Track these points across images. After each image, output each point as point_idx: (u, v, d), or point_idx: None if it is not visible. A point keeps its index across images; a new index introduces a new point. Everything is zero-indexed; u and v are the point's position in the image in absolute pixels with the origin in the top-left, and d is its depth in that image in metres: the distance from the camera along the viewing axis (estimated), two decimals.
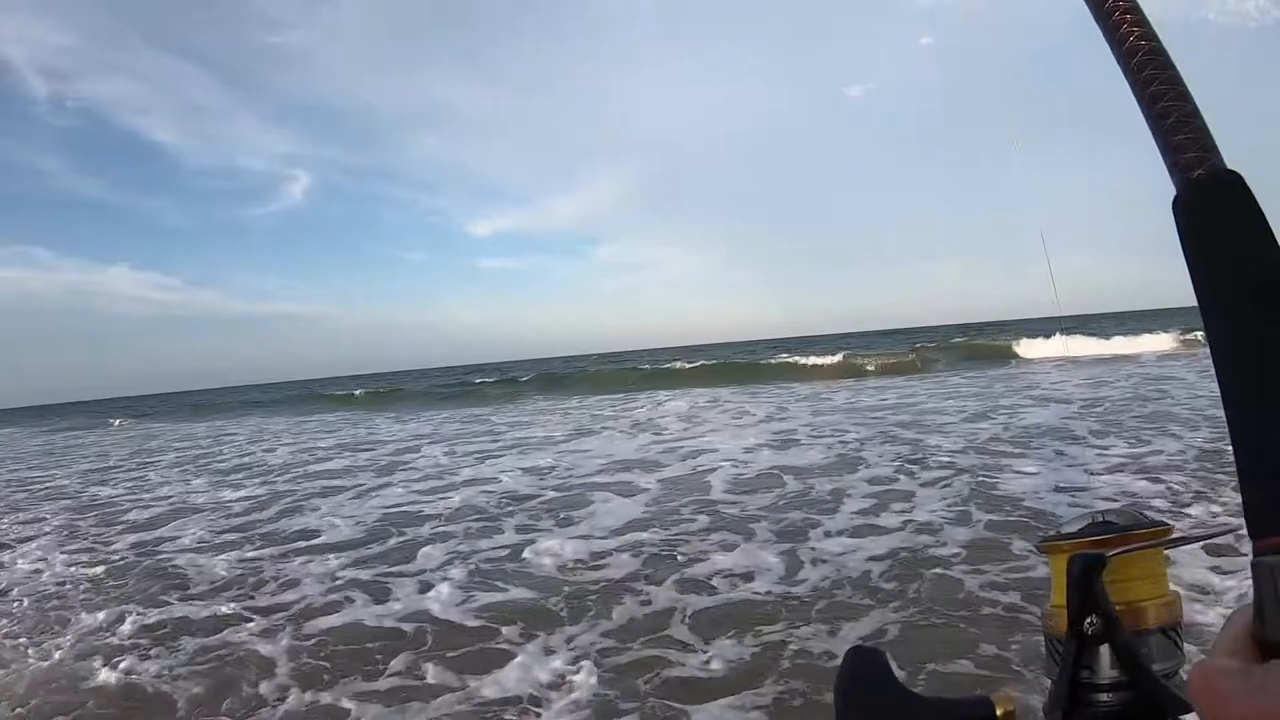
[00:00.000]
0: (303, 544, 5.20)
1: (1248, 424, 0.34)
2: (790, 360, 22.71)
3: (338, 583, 4.20)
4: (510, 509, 5.71)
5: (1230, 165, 0.39)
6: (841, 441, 7.61)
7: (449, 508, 5.96)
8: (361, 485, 7.52)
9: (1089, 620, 0.40)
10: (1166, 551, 0.45)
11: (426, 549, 4.72)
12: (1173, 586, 0.44)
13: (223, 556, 5.02)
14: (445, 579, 4.06)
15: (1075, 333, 21.13)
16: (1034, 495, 4.79)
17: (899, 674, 0.42)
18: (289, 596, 4.04)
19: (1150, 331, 20.16)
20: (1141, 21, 0.45)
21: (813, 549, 4.03)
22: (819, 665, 2.70)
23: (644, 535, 4.61)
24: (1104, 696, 0.41)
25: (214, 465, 10.81)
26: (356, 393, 28.67)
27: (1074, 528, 0.46)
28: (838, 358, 21.43)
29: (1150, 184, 0.43)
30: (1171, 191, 0.39)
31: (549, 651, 3.04)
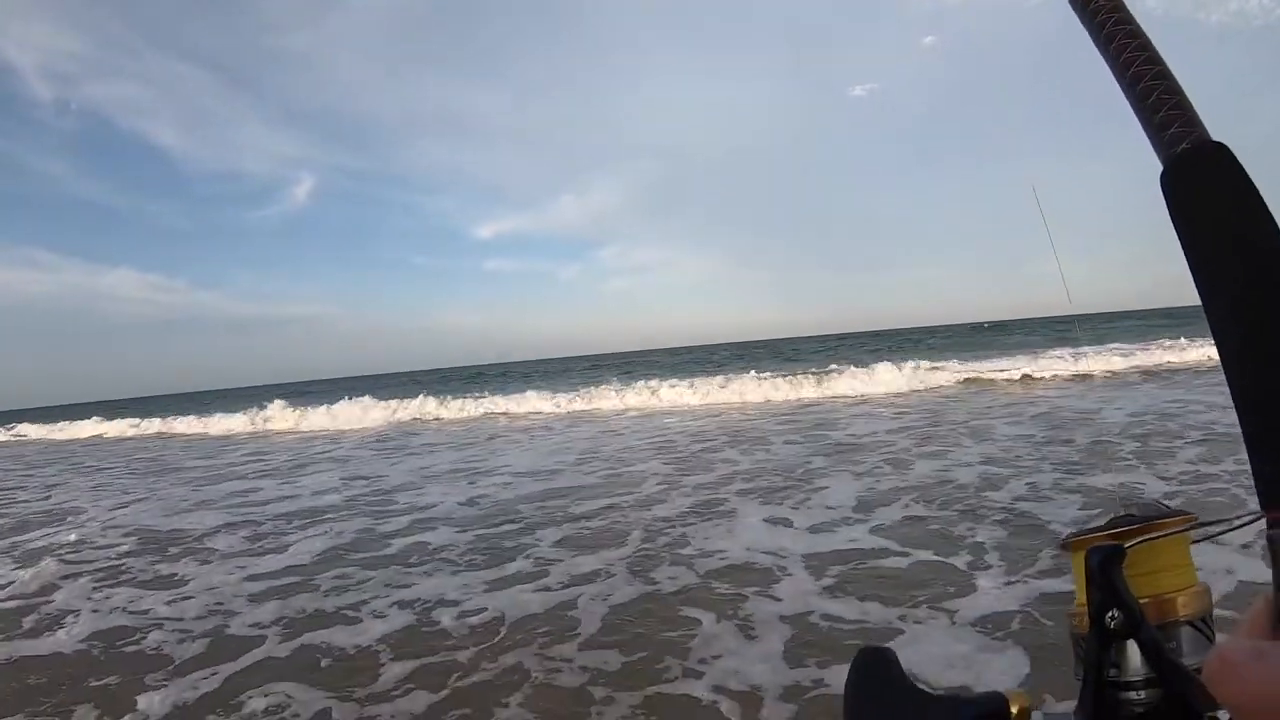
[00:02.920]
0: None
1: (1252, 395, 0.34)
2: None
3: None
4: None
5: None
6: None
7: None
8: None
9: (1110, 614, 0.39)
10: (1195, 541, 0.43)
11: None
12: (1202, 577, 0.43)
13: None
14: None
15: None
16: None
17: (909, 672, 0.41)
18: None
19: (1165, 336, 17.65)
20: (1119, 6, 0.45)
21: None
22: None
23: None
24: (1134, 694, 0.40)
25: None
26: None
27: (1096, 524, 0.45)
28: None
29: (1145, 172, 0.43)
30: (1159, 168, 0.39)
31: None
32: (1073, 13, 0.47)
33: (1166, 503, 0.45)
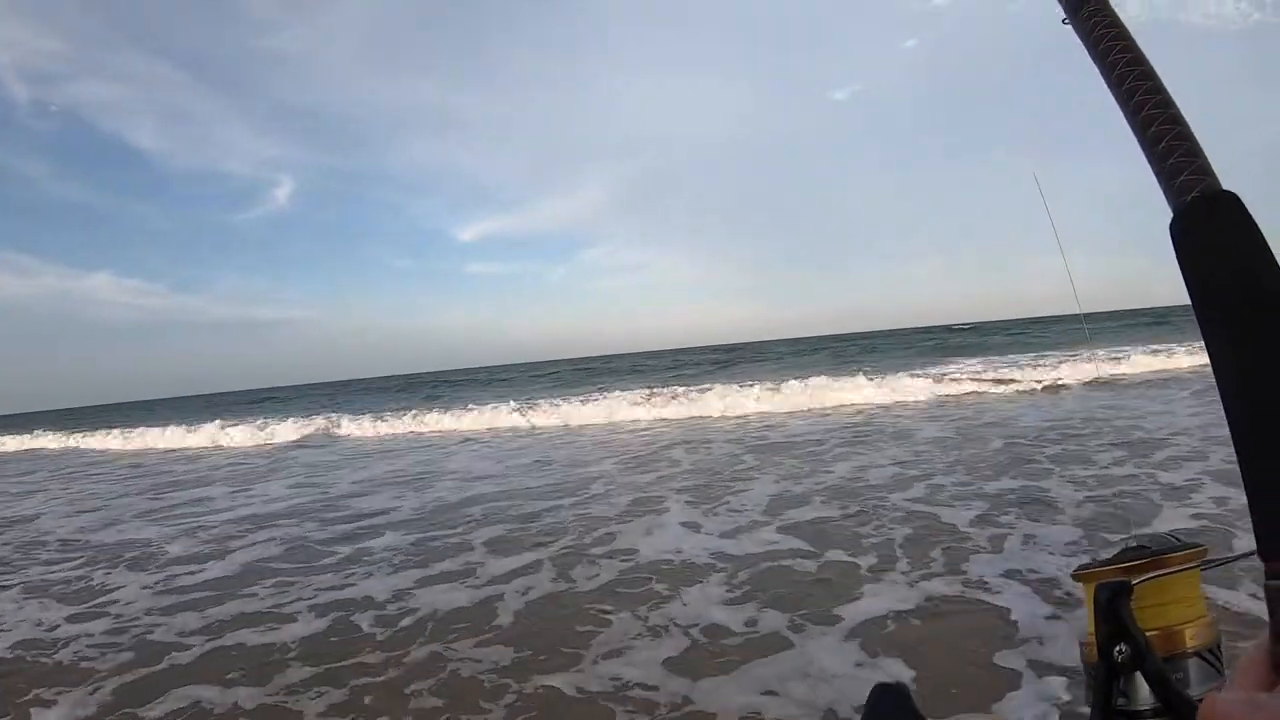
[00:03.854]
0: None
1: (1254, 446, 0.34)
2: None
3: None
4: None
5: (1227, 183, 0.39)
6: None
7: None
8: None
9: (1118, 648, 0.40)
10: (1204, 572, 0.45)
11: None
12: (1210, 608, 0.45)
13: None
14: None
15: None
16: None
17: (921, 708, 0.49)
18: None
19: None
20: (1130, 47, 0.45)
21: None
22: None
23: None
24: None
25: None
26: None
27: (1108, 555, 0.46)
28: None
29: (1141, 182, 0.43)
30: (1169, 214, 0.39)
31: None
32: (1065, 30, 0.49)
33: (1178, 536, 0.46)
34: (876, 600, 3.34)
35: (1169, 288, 0.42)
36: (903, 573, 3.65)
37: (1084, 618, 0.45)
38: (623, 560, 4.31)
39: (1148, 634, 0.40)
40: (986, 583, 3.41)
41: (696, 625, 3.26)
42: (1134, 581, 0.41)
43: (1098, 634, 0.41)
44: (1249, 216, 0.37)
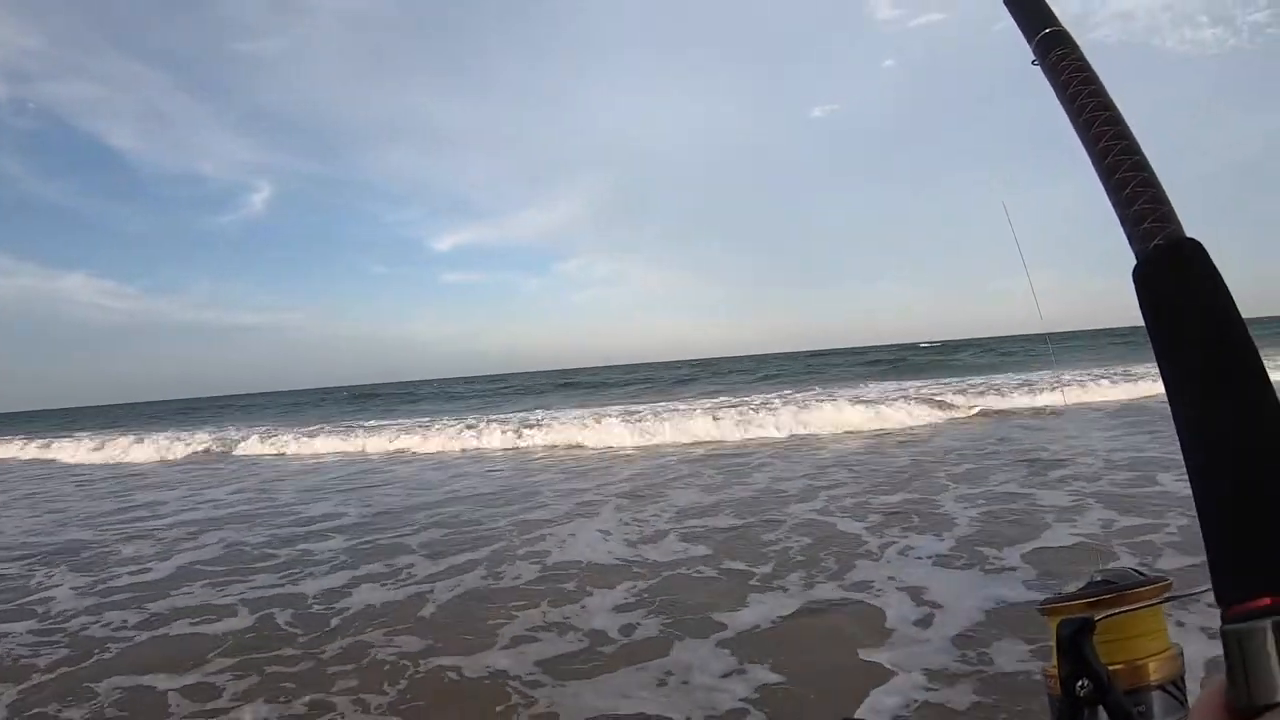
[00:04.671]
0: None
1: (1211, 492, 0.34)
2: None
3: None
4: None
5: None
6: None
7: None
8: None
9: (1080, 684, 0.41)
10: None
11: None
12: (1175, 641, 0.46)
13: None
14: None
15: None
16: None
17: None
18: None
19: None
20: (1098, 91, 0.46)
21: None
22: None
23: None
24: None
25: None
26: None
27: (1073, 588, 0.47)
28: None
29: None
30: (1132, 260, 0.40)
31: None
32: (1034, 67, 0.50)
33: (1142, 570, 0.46)
34: (761, 607, 3.50)
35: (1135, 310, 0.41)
36: (792, 579, 3.85)
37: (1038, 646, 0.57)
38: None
39: (1111, 668, 0.41)
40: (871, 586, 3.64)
41: (585, 628, 3.41)
42: (1097, 617, 0.42)
43: (1060, 669, 0.42)
44: (1211, 264, 0.37)
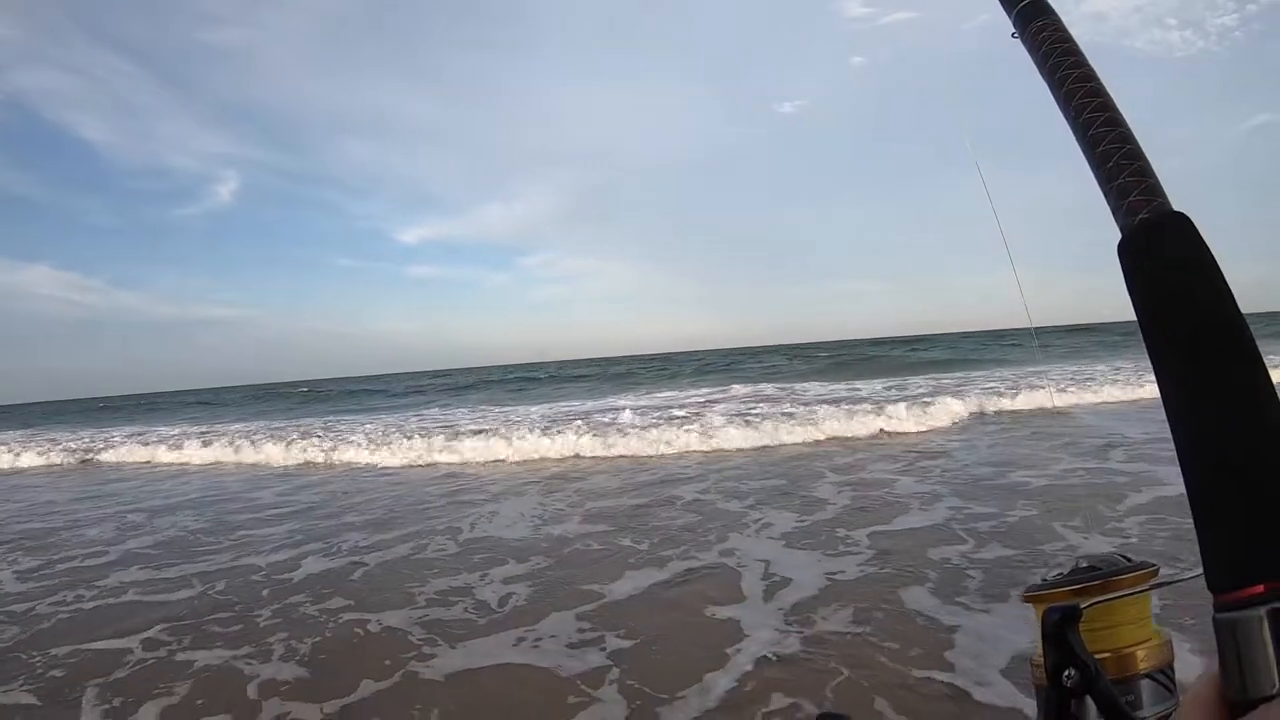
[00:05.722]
0: None
1: (1201, 474, 0.33)
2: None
3: None
4: None
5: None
6: None
7: None
8: None
9: (1067, 673, 0.40)
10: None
11: None
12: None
13: None
14: None
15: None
16: None
17: None
18: None
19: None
20: (1081, 63, 0.43)
21: None
22: None
23: None
24: None
25: None
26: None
27: (1057, 575, 0.45)
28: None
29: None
30: (1117, 235, 0.38)
31: None
32: (1015, 48, 0.48)
33: (1128, 556, 0.45)
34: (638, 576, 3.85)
35: (1119, 303, 0.38)
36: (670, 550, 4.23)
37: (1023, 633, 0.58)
38: None
39: (1099, 656, 0.40)
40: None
41: (475, 598, 3.75)
42: (1083, 605, 0.40)
43: (1046, 659, 0.40)
44: (1200, 238, 0.36)
